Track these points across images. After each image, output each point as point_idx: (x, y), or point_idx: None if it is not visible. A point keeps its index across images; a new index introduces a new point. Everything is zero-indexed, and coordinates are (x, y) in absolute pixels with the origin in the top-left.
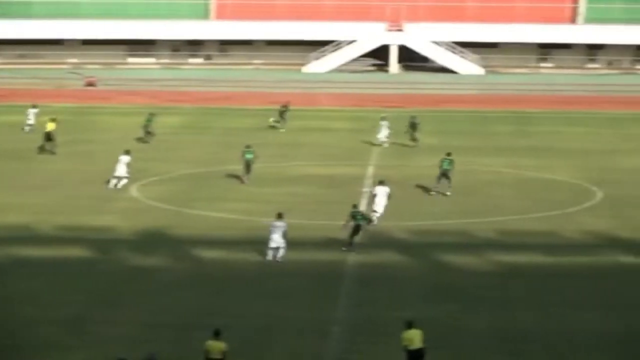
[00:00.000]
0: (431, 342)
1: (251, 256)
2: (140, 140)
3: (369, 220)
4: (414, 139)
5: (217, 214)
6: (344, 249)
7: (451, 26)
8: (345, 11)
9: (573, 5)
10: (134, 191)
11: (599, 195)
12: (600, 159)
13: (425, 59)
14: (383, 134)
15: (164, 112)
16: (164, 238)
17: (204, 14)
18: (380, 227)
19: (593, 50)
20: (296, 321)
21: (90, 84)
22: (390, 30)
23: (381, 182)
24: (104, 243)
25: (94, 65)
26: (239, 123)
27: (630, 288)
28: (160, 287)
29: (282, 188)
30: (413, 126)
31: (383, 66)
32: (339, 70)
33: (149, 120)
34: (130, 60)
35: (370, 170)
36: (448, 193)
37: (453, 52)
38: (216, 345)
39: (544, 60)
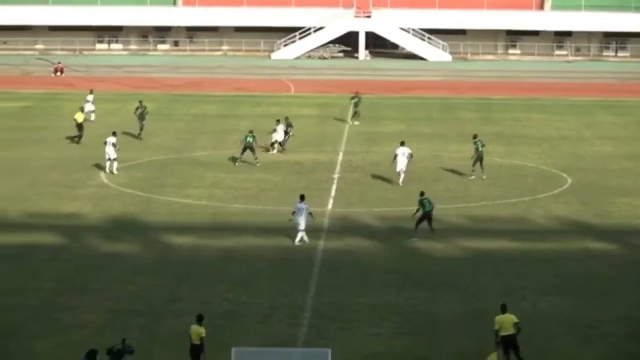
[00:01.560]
0: (401, 328)
1: (218, 242)
2: (131, 135)
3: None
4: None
5: (184, 200)
6: (414, 239)
7: (419, 13)
8: None
9: None
10: (103, 177)
11: (569, 181)
12: (568, 145)
13: (393, 46)
14: (279, 136)
15: (131, 99)
16: (131, 224)
17: (172, 0)
18: (347, 212)
19: (560, 37)
20: (263, 307)
21: (58, 70)
22: (358, 17)
23: (402, 143)
24: (72, 229)
25: (61, 51)
26: (206, 109)
27: (596, 273)
28: (128, 273)
29: (250, 174)
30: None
31: (351, 53)
32: (307, 56)
33: (138, 108)
34: (98, 46)
35: (340, 157)
36: (484, 177)
37: (421, 38)
38: (196, 330)
39: (512, 47)
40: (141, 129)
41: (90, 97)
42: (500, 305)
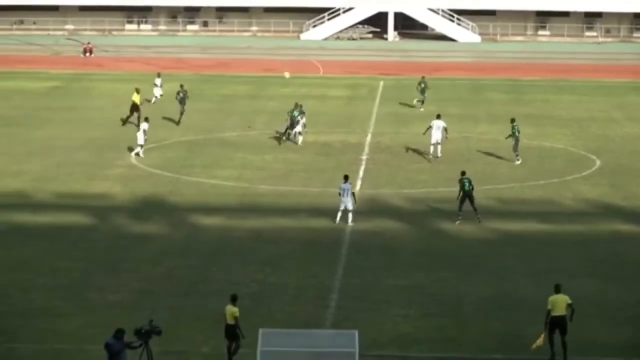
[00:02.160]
0: (429, 309)
1: (246, 223)
2: (164, 117)
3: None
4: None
5: (213, 180)
6: (457, 222)
7: None
8: None
9: None
10: (131, 158)
11: (598, 163)
12: (598, 127)
13: (423, 27)
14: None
15: (161, 80)
16: (160, 205)
17: None
18: (376, 194)
19: (590, 18)
20: (291, 288)
21: (87, 51)
22: None
23: (438, 116)
24: (101, 210)
25: (90, 31)
26: (235, 90)
27: (625, 256)
28: (156, 254)
29: (278, 155)
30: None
31: (380, 34)
32: (336, 37)
33: (179, 92)
34: (128, 27)
35: (368, 138)
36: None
37: (450, 19)
38: (230, 310)
39: (542, 28)
40: (181, 113)
41: (158, 81)
42: (554, 285)
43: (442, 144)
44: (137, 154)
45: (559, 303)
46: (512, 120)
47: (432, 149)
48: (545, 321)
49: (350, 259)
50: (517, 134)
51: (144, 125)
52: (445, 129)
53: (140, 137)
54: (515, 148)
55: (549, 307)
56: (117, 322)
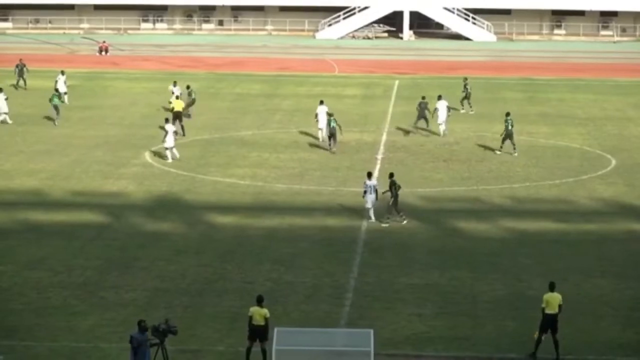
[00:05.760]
0: (443, 308)
1: (261, 221)
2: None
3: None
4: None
5: (228, 179)
6: (384, 224)
7: None
8: None
9: None
10: (147, 156)
11: (613, 162)
12: (613, 126)
13: (438, 26)
14: (324, 127)
15: (176, 78)
16: (175, 203)
17: None
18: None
19: (606, 17)
20: (306, 287)
21: (103, 50)
22: None
23: (439, 97)
24: (116, 208)
25: (106, 30)
26: (250, 89)
27: None
28: (172, 252)
29: (294, 154)
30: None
31: (396, 33)
32: (351, 36)
33: (189, 94)
34: (143, 25)
35: (383, 137)
36: (515, 154)
37: (466, 18)
38: (259, 312)
39: (557, 27)
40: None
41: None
42: (549, 283)
43: (446, 122)
44: (174, 157)
45: (553, 301)
46: (507, 114)
47: (440, 128)
48: (542, 319)
49: (365, 258)
50: (510, 127)
51: (172, 128)
52: (448, 108)
53: (171, 140)
54: (507, 139)
55: (543, 304)
56: (132, 320)
